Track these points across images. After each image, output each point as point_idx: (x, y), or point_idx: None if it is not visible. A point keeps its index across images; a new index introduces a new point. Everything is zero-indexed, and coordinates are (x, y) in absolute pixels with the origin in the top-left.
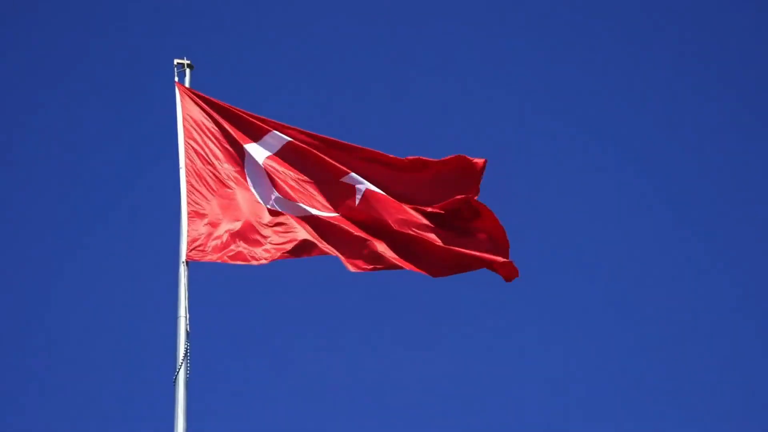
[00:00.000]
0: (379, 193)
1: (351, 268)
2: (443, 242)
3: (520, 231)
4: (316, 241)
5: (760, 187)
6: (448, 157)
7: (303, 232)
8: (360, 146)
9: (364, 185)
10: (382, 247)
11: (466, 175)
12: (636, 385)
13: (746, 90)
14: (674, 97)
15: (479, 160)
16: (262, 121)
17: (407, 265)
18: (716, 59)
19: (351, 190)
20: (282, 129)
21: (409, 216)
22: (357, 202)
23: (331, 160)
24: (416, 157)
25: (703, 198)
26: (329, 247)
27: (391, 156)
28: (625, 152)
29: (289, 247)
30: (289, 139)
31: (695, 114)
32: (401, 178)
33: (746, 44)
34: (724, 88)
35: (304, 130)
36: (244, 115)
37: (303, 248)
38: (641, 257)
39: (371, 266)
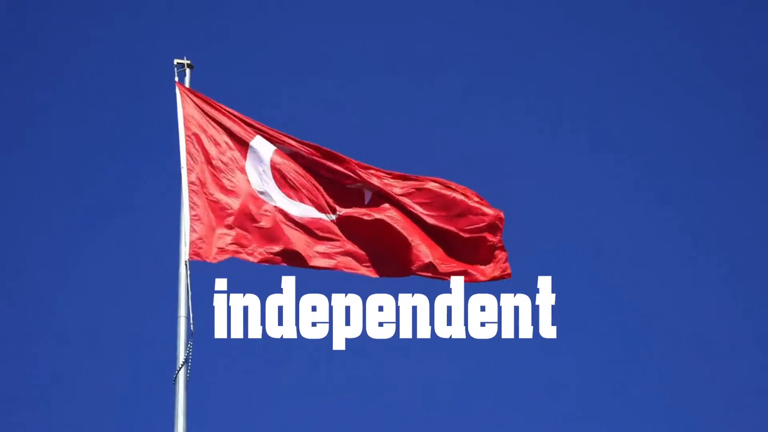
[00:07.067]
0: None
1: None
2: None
3: (520, 229)
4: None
5: (760, 187)
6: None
7: (300, 238)
8: (359, 162)
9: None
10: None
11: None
12: (634, 387)
13: (745, 88)
14: (671, 94)
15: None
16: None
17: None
18: (714, 57)
19: (358, 191)
20: (273, 139)
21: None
22: (366, 201)
23: (332, 164)
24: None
25: (703, 198)
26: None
27: (394, 172)
28: (622, 152)
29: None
30: (276, 147)
31: (692, 112)
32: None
33: (747, 43)
34: (722, 85)
35: (301, 140)
36: (239, 120)
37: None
38: (639, 259)
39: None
